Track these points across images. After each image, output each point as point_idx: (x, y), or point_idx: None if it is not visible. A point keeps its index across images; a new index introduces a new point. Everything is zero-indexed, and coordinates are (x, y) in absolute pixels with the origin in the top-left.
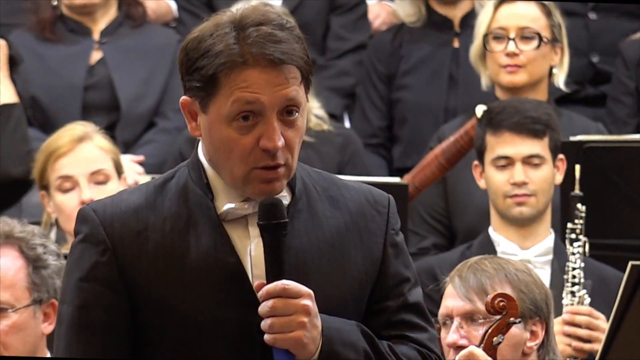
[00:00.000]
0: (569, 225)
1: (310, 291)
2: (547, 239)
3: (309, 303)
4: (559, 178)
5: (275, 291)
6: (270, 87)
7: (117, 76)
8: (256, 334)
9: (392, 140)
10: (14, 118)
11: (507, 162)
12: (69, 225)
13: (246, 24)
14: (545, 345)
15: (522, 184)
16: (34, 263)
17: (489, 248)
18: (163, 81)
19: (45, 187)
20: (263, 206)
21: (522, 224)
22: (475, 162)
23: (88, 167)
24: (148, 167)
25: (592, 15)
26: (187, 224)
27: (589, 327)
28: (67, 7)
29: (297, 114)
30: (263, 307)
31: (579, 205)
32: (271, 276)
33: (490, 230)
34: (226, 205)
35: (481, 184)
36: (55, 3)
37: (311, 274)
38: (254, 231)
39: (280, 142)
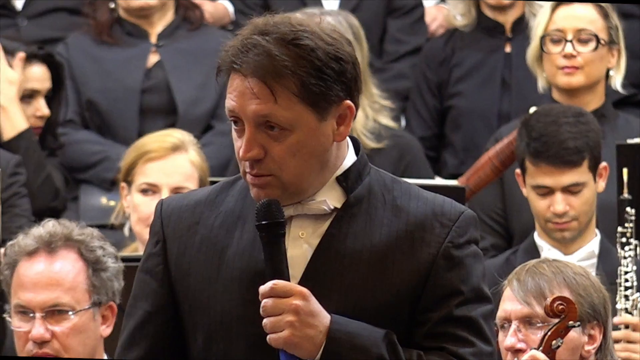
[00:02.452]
0: (619, 229)
1: (305, 290)
2: (591, 243)
3: (299, 302)
4: (602, 185)
5: (265, 291)
6: (242, 98)
7: (174, 79)
8: None
9: (439, 149)
10: (32, 144)
11: (547, 191)
12: (139, 227)
13: (257, 30)
14: (603, 349)
15: (563, 214)
16: (94, 265)
17: (534, 253)
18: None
19: (128, 181)
20: (258, 207)
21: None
22: (517, 171)
23: (174, 179)
24: None
25: None
26: (237, 220)
27: (627, 341)
28: (125, 10)
29: (281, 130)
30: (261, 309)
31: (628, 209)
32: (269, 276)
33: (535, 235)
34: None
35: (524, 191)
36: (112, 6)
37: (347, 280)
38: (295, 232)
39: (252, 154)
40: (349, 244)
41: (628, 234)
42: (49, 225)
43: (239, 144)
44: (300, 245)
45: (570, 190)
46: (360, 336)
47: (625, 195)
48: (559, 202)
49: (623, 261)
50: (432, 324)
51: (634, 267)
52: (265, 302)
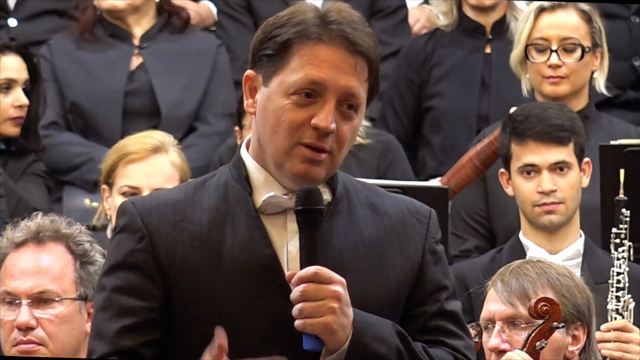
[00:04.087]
0: (614, 230)
1: (343, 279)
2: (576, 243)
3: (341, 290)
4: (586, 181)
5: (307, 276)
6: (337, 70)
7: (157, 81)
8: (288, 326)
9: (415, 149)
10: None
11: (533, 170)
12: None
13: (329, 9)
14: (587, 350)
15: (550, 192)
16: (81, 258)
17: (519, 252)
18: (203, 86)
19: (109, 184)
20: (300, 192)
21: (552, 231)
22: (502, 170)
23: (155, 181)
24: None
25: (635, 19)
26: (225, 217)
27: (619, 341)
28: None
29: (355, 110)
30: (294, 293)
31: (623, 210)
32: (305, 262)
33: (520, 235)
34: (265, 194)
35: (509, 191)
36: (96, 3)
37: (348, 274)
38: (293, 227)
39: (333, 126)
40: (343, 240)
41: (622, 235)
42: (38, 219)
43: (301, 115)
44: (298, 241)
45: (557, 169)
46: (379, 327)
47: (622, 196)
48: (546, 181)
49: (616, 262)
50: (426, 317)
51: (627, 269)
52: (306, 287)
